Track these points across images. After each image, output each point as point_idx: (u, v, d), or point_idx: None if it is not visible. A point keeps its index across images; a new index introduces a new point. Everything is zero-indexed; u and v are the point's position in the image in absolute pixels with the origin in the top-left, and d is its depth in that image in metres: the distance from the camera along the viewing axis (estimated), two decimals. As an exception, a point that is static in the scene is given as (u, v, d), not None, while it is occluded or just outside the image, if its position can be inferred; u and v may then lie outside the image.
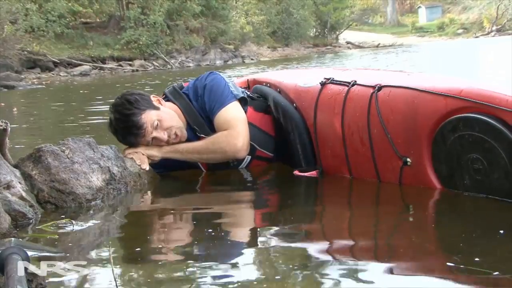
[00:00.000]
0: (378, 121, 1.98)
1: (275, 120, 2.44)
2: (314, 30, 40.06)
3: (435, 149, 1.85)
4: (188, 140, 2.40)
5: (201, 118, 2.39)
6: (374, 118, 1.99)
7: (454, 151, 1.78)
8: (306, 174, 2.26)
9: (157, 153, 2.34)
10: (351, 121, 2.09)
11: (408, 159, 1.92)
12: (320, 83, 2.26)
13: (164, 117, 2.32)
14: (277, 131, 2.44)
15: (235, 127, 2.31)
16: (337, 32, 41.94)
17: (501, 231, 1.48)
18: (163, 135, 2.31)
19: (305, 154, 2.28)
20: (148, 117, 2.28)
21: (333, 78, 2.23)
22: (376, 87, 2.02)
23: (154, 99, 2.38)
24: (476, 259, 1.29)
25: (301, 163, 2.29)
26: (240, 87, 2.60)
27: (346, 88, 2.14)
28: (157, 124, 2.29)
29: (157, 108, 2.33)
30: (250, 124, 2.36)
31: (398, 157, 1.95)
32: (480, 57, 13.98)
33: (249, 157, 2.42)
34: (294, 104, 2.34)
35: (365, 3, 54.82)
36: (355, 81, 2.13)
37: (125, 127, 2.29)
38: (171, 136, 2.33)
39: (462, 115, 1.74)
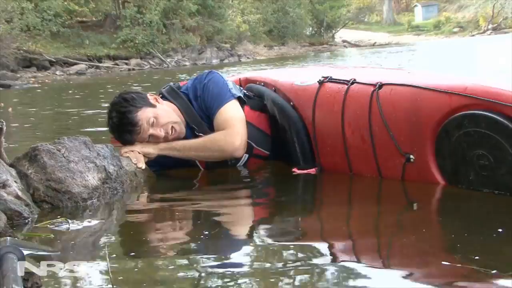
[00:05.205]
0: (380, 119, 1.97)
1: (270, 118, 2.43)
2: (310, 28, 40.10)
3: (439, 146, 1.85)
4: (186, 138, 2.39)
5: (199, 118, 2.39)
6: (376, 116, 1.99)
7: (459, 148, 1.78)
8: (304, 171, 2.26)
9: (153, 150, 2.34)
10: (351, 119, 2.08)
11: (411, 156, 1.92)
12: (318, 81, 2.25)
13: (160, 114, 2.33)
14: (273, 129, 2.44)
15: (233, 126, 2.30)
16: (333, 31, 41.97)
17: (502, 229, 1.47)
18: (160, 132, 2.31)
19: (303, 152, 2.27)
20: (144, 114, 2.29)
21: (331, 77, 2.23)
22: (377, 85, 2.02)
23: (151, 97, 2.39)
24: (479, 257, 1.28)
25: (299, 161, 2.29)
26: None
27: (346, 86, 2.13)
28: (154, 122, 2.30)
29: (153, 106, 2.34)
30: (247, 123, 2.36)
31: (401, 154, 1.94)
32: (477, 55, 13.99)
33: (247, 155, 2.41)
34: (291, 103, 2.33)
35: (361, 1, 54.85)
36: (355, 79, 2.12)
37: (121, 124, 2.30)
38: (169, 132, 2.34)
39: (468, 112, 1.74)
